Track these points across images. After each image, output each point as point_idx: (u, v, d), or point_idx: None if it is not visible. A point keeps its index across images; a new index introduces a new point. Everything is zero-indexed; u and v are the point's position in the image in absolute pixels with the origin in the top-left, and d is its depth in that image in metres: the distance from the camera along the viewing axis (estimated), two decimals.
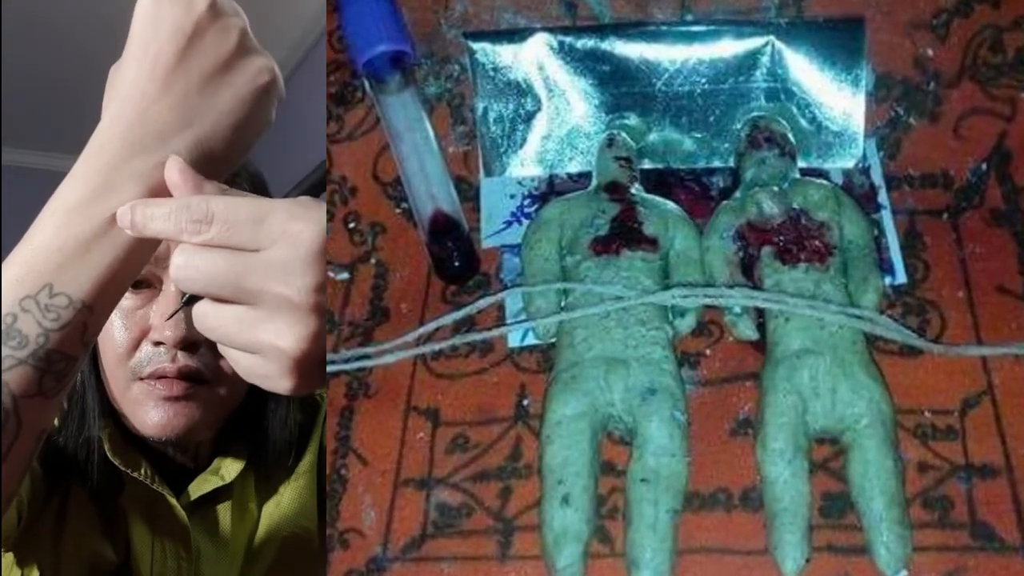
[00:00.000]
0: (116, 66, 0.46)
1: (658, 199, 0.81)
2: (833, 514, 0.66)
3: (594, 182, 0.82)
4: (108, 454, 0.70)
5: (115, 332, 0.67)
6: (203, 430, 0.71)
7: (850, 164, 0.82)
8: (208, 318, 0.41)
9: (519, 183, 0.86)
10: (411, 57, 0.73)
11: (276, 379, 0.41)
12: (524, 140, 0.86)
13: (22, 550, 0.68)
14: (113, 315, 0.61)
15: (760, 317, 0.74)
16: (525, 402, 0.75)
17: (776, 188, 0.77)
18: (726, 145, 0.84)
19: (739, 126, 0.83)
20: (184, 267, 0.40)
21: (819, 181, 0.79)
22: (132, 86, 0.44)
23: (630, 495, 0.67)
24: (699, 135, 0.84)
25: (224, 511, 0.75)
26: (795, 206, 0.77)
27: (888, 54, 0.81)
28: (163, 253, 0.64)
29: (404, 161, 0.76)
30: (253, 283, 0.39)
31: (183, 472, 0.74)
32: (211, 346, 0.65)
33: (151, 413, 0.68)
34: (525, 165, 0.87)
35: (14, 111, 2.69)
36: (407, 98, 0.74)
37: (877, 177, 0.82)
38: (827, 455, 0.69)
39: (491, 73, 0.84)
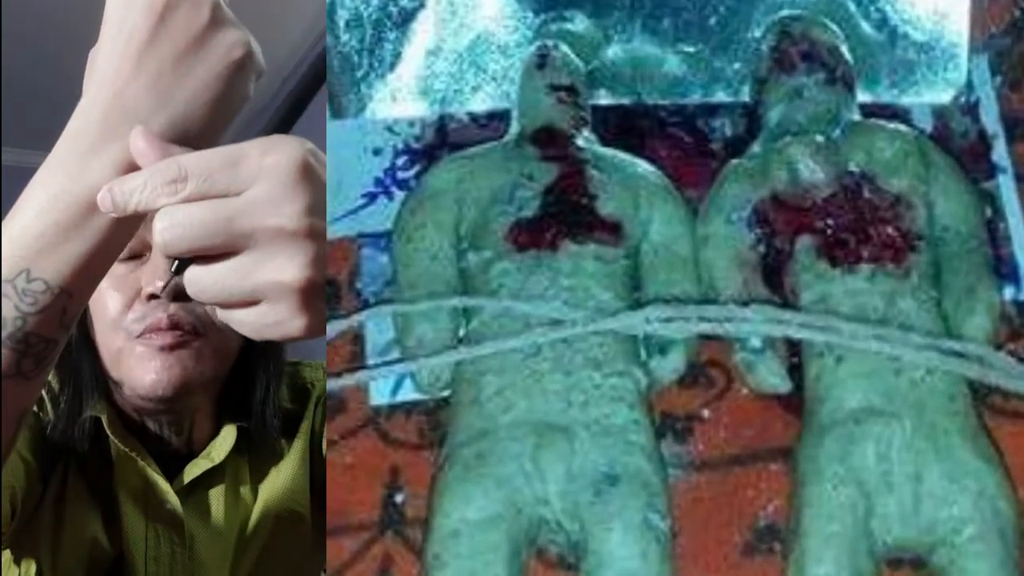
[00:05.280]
0: (95, 49, 0.56)
1: (623, 156, 0.76)
2: None
3: (515, 128, 0.78)
4: (107, 428, 0.88)
5: (107, 299, 0.86)
6: (197, 386, 0.87)
7: (946, 98, 0.78)
8: (202, 279, 0.50)
9: (388, 129, 0.80)
10: None
11: (288, 321, 0.49)
12: (397, 57, 0.79)
13: (20, 546, 0.86)
14: (104, 283, 0.76)
15: (794, 355, 0.71)
16: (398, 498, 0.71)
17: (820, 139, 0.73)
18: (736, 65, 0.79)
19: (758, 34, 0.78)
20: (169, 227, 0.49)
21: (893, 127, 0.75)
22: (107, 67, 0.54)
23: None
24: (691, 49, 0.79)
25: (217, 496, 0.92)
26: (853, 168, 0.74)
27: None
28: (151, 221, 0.81)
29: None
30: (243, 224, 0.48)
31: (177, 458, 0.92)
32: None
33: (146, 366, 0.84)
34: (399, 99, 0.80)
35: (14, 111, 3.38)
36: None
37: (991, 120, 0.77)
38: None
39: None
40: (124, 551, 0.89)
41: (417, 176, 0.79)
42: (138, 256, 0.87)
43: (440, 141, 0.80)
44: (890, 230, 0.71)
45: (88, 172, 0.53)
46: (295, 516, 0.94)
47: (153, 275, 0.85)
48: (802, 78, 0.76)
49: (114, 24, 0.55)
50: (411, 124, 0.81)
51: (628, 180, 0.74)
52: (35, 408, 0.84)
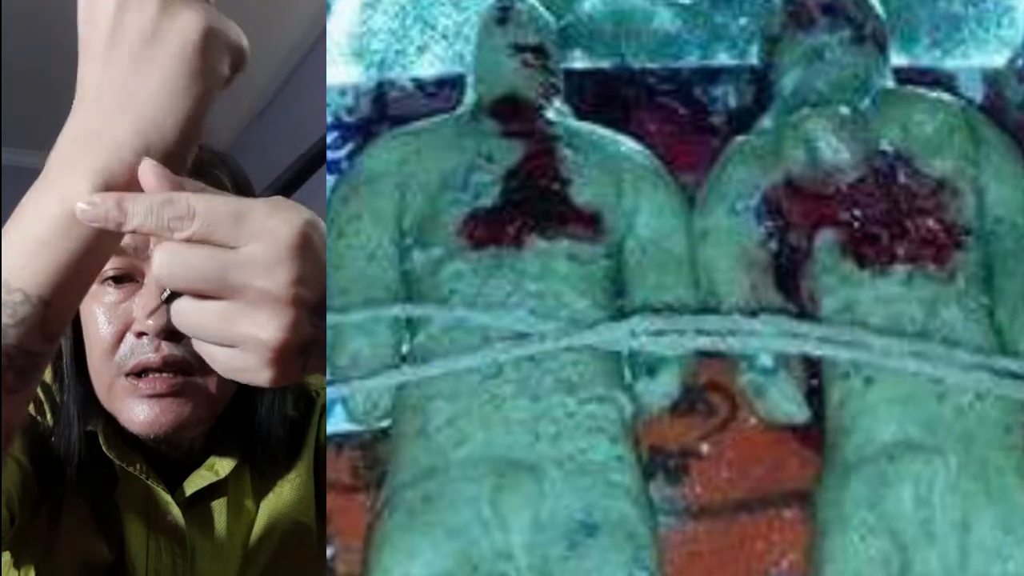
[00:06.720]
0: None
1: (603, 133, 0.77)
2: None
3: (470, 97, 0.78)
4: (103, 447, 0.91)
5: (99, 327, 0.89)
6: (193, 426, 0.90)
7: (1000, 60, 0.79)
8: (187, 314, 0.56)
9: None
10: None
11: (255, 371, 0.56)
12: (326, 10, 0.79)
13: (17, 551, 0.91)
14: (96, 310, 0.88)
15: (813, 377, 0.72)
16: (327, 551, 0.73)
17: (846, 110, 0.74)
18: (742, 21, 0.79)
19: None
20: (168, 263, 0.55)
21: (935, 96, 0.76)
22: (80, 77, 0.61)
23: None
24: (686, 1, 0.77)
25: (220, 508, 0.95)
26: (886, 147, 0.74)
27: None
28: (143, 246, 0.85)
29: None
30: (235, 278, 0.55)
31: (178, 468, 0.95)
32: None
33: (136, 410, 0.87)
34: (328, 62, 0.81)
35: (14, 111, 3.58)
36: None
37: None
38: None
39: None
40: (125, 562, 0.94)
41: (350, 156, 0.79)
42: (131, 279, 0.89)
43: (379, 114, 0.81)
44: (931, 223, 0.72)
45: (63, 184, 0.58)
46: (302, 528, 0.98)
47: (144, 309, 0.88)
48: (823, 36, 0.76)
49: (82, 42, 0.60)
50: (342, 93, 0.82)
51: (609, 161, 0.74)
52: (34, 413, 0.90)
